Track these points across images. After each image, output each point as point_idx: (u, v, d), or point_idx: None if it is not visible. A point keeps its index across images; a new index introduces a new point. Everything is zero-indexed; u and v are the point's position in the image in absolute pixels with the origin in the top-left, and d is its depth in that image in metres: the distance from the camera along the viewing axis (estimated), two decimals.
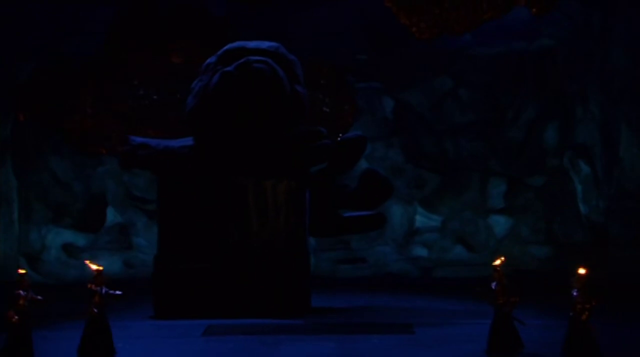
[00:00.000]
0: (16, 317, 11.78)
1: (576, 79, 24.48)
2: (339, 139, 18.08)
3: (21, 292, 11.91)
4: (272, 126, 16.50)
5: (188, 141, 16.97)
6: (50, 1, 23.70)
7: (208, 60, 17.16)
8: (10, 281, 22.76)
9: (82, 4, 24.06)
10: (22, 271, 12.32)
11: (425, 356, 12.38)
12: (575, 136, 24.66)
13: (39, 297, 12.06)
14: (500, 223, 25.07)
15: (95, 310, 12.09)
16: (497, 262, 12.60)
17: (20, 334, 11.85)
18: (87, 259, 12.90)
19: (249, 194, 16.22)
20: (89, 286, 12.20)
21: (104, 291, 12.16)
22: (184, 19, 24.26)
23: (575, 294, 11.90)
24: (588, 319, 11.79)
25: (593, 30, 23.94)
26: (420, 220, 25.16)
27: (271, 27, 23.34)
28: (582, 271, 11.99)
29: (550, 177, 24.93)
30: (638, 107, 22.96)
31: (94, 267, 12.38)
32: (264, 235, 16.22)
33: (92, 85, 24.00)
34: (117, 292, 12.32)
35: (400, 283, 22.80)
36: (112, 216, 24.87)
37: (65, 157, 24.71)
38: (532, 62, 25.00)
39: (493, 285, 12.30)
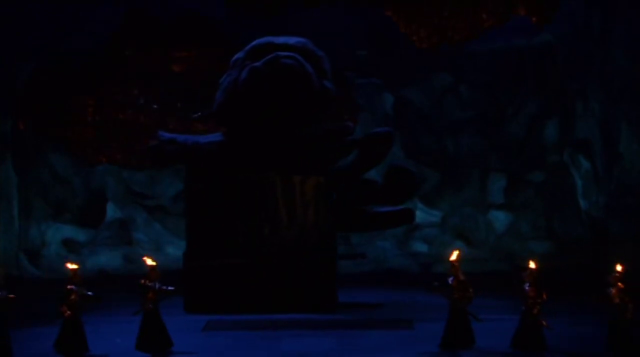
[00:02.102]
0: (68, 311, 11.99)
1: (576, 75, 24.48)
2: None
3: (73, 287, 12.11)
4: (301, 121, 16.54)
5: (216, 137, 16.98)
6: (50, 1, 23.70)
7: (236, 56, 17.14)
8: (11, 276, 22.89)
9: (82, 3, 24.07)
10: (73, 267, 12.40)
11: (424, 352, 12.40)
12: (575, 132, 24.67)
13: (90, 292, 12.23)
14: (500, 219, 25.08)
15: (151, 305, 12.23)
16: (454, 256, 12.62)
17: (73, 327, 12.05)
18: (145, 256, 13.06)
19: (278, 189, 16.22)
20: (142, 281, 12.39)
21: (157, 286, 12.29)
22: (184, 27, 24.29)
23: (527, 288, 12.00)
24: (539, 312, 11.96)
25: (593, 29, 23.96)
26: (420, 216, 25.08)
27: (271, 27, 23.37)
28: (532, 265, 12.11)
29: (550, 173, 24.94)
30: (638, 104, 22.99)
31: (149, 262, 12.52)
32: (293, 230, 16.23)
33: (93, 95, 24.06)
34: (170, 287, 12.45)
35: (400, 279, 22.79)
36: (112, 211, 24.87)
37: (65, 153, 24.70)
38: (532, 59, 25.01)
39: (450, 280, 12.39)
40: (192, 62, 24.00)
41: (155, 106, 24.05)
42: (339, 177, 16.90)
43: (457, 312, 12.31)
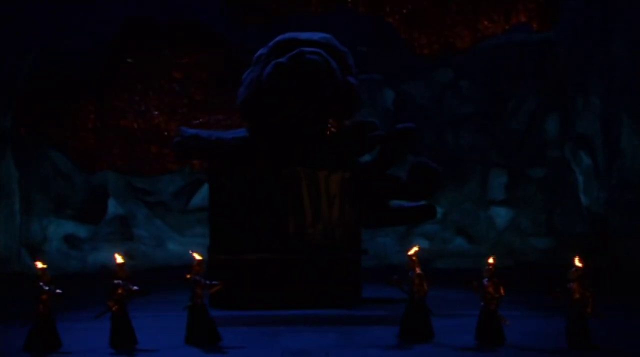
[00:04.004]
0: (116, 306, 12.13)
1: (577, 71, 24.49)
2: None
3: (120, 282, 12.21)
4: (325, 117, 16.55)
5: (240, 132, 16.97)
6: (51, 2, 23.77)
7: (259, 52, 17.12)
8: (12, 271, 22.93)
9: (82, 3, 24.14)
10: (120, 261, 12.48)
11: (424, 346, 12.43)
12: (576, 128, 24.67)
13: (135, 287, 12.31)
14: (500, 215, 25.09)
15: (199, 300, 12.42)
16: (412, 251, 12.96)
17: (120, 321, 12.19)
18: (192, 250, 13.16)
19: (302, 184, 16.17)
20: (188, 276, 12.52)
21: (203, 281, 12.50)
22: (184, 32, 24.36)
23: (485, 283, 12.16)
24: (497, 307, 12.17)
25: (594, 24, 23.95)
26: None
27: (272, 28, 23.50)
28: (491, 260, 12.31)
29: (551, 168, 24.94)
30: (638, 99, 22.98)
31: (196, 256, 12.65)
32: (318, 225, 16.19)
33: (94, 102, 24.14)
34: (214, 282, 12.61)
35: (401, 275, 22.76)
36: (113, 207, 24.89)
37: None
38: (533, 54, 25.01)
39: (410, 274, 12.71)
40: (192, 67, 24.11)
41: (156, 112, 24.14)
42: (363, 172, 16.90)
43: (413, 305, 12.65)
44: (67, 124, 24.01)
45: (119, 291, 12.18)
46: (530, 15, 23.94)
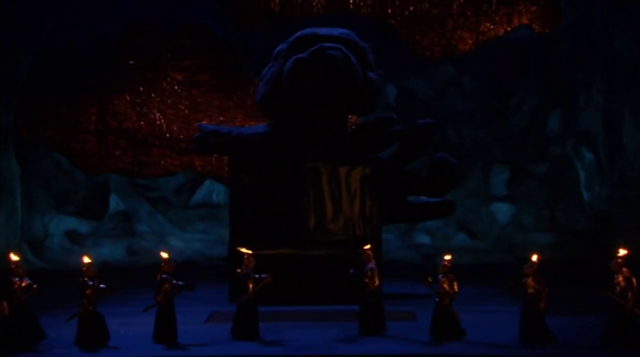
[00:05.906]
0: (164, 301, 12.42)
1: (579, 66, 24.48)
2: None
3: (167, 277, 12.47)
4: (346, 112, 16.65)
5: (260, 128, 17.04)
6: (52, 1, 23.77)
7: (279, 47, 17.21)
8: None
9: (84, 5, 24.14)
10: (166, 256, 12.65)
11: (427, 342, 12.45)
12: (578, 124, 24.66)
13: (180, 282, 12.55)
14: (502, 211, 25.08)
15: (251, 295, 12.68)
16: (368, 246, 13.43)
17: (166, 315, 12.47)
18: (241, 247, 13.33)
19: (323, 180, 16.28)
20: (238, 270, 12.78)
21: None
22: (186, 36, 24.39)
23: (440, 279, 12.54)
24: (451, 303, 12.52)
25: (596, 20, 23.94)
26: None
27: (273, 30, 23.50)
28: (447, 257, 12.55)
29: (553, 164, 24.93)
30: None
31: (245, 251, 12.91)
32: (339, 221, 16.29)
33: (95, 104, 24.14)
34: (263, 275, 12.80)
35: (403, 270, 22.78)
36: (115, 203, 24.91)
37: None
38: (535, 50, 24.98)
39: (365, 267, 13.16)
40: (194, 69, 24.15)
41: (158, 114, 24.17)
42: (383, 168, 16.94)
43: (365, 298, 13.03)
44: (68, 126, 24.02)
45: (166, 286, 12.38)
46: (532, 17, 23.92)
